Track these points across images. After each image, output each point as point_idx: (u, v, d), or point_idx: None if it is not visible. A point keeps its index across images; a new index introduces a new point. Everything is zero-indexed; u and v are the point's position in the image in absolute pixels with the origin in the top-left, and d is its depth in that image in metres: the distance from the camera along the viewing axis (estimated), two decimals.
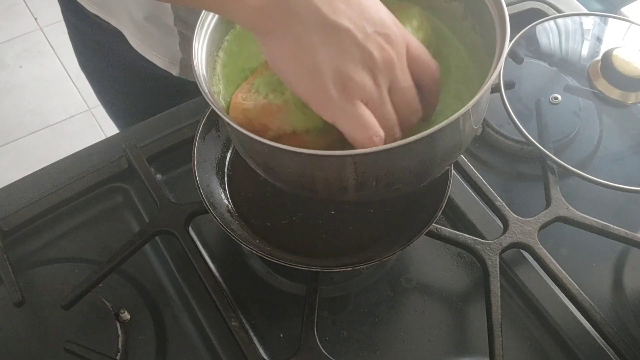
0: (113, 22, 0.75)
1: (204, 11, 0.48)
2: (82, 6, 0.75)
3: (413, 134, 0.42)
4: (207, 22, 0.49)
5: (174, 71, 0.77)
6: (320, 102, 0.43)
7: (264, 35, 0.42)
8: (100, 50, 0.82)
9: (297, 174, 0.46)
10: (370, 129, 0.43)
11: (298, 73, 0.42)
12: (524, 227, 0.60)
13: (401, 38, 0.44)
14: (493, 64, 0.44)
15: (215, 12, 0.46)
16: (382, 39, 0.42)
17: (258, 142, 0.43)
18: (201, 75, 0.46)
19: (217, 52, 0.50)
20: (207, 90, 0.45)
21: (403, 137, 0.46)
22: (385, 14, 0.44)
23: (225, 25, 0.51)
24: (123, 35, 0.76)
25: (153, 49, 0.75)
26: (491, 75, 0.43)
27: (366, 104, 0.43)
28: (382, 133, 0.43)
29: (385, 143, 0.44)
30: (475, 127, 0.48)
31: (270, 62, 0.44)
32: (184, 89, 0.77)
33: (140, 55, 0.76)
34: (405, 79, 0.44)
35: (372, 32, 0.42)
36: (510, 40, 0.53)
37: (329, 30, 0.41)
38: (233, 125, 0.44)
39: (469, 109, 0.42)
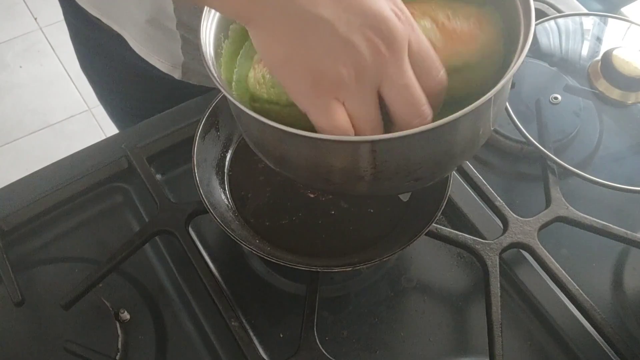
0: (115, 27, 0.75)
1: None
2: (84, 9, 0.75)
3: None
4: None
5: (176, 75, 0.77)
6: (293, 92, 0.42)
7: (246, 23, 0.41)
8: (102, 53, 0.82)
9: (313, 163, 0.44)
10: (338, 130, 0.40)
11: (273, 62, 0.41)
12: (524, 227, 0.60)
13: (402, 32, 0.39)
14: (518, 49, 0.42)
15: (196, 4, 0.43)
16: (372, 32, 0.39)
17: (272, 128, 0.41)
18: (209, 58, 0.45)
19: (224, 37, 0.48)
20: (216, 74, 0.43)
21: None
22: (383, 6, 0.39)
23: None
24: (124, 38, 0.76)
25: (155, 53, 0.75)
26: (517, 60, 0.40)
27: (343, 102, 0.40)
28: (352, 134, 0.41)
29: None
30: (496, 118, 0.46)
31: (255, 48, 0.43)
32: (186, 91, 0.76)
33: (142, 58, 0.76)
34: (402, 76, 0.40)
35: (358, 24, 0.38)
36: None
37: (307, 22, 0.38)
38: (246, 111, 0.41)
39: (492, 97, 0.39)
